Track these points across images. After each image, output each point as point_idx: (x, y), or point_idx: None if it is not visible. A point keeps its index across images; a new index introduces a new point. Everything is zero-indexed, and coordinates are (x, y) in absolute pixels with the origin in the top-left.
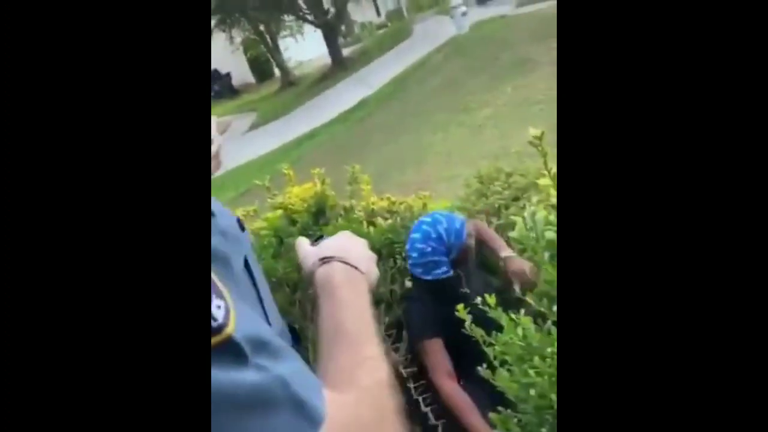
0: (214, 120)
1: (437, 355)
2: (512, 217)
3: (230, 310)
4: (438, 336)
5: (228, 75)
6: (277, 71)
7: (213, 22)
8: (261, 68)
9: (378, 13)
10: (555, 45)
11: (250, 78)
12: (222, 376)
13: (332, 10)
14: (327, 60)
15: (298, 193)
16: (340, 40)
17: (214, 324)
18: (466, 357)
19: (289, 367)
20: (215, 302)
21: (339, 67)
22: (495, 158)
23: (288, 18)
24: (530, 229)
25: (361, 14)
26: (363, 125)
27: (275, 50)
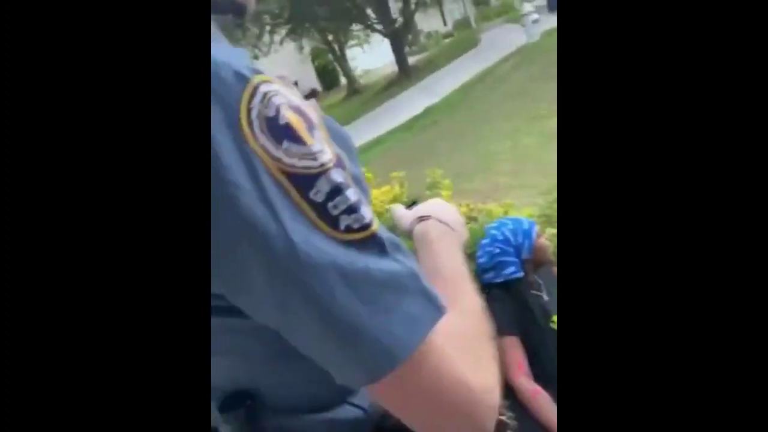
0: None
1: (514, 353)
2: None
3: (374, 215)
4: (514, 335)
5: (295, 83)
6: (343, 80)
7: (284, 32)
8: (328, 77)
9: (444, 23)
10: None
11: (318, 86)
12: (367, 260)
13: (400, 19)
14: (393, 69)
15: (377, 195)
16: (407, 49)
17: (364, 221)
18: (539, 359)
19: (417, 266)
20: (365, 206)
21: (405, 76)
22: None
23: (356, 27)
24: None
25: (428, 23)
26: (429, 133)
27: (342, 59)
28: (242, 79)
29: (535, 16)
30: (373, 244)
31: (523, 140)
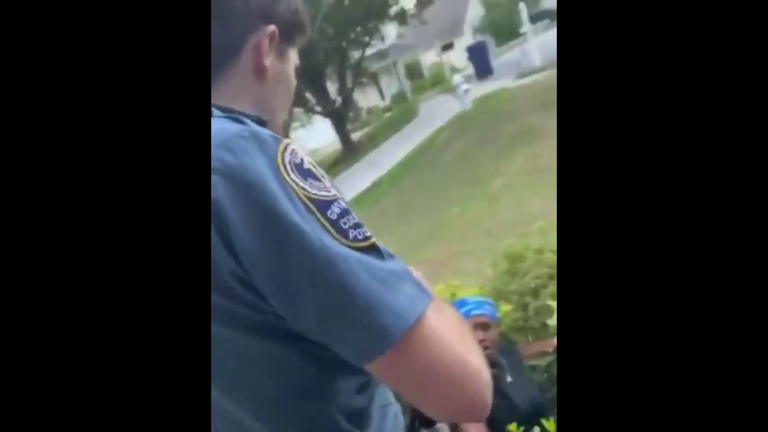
0: None
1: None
2: (549, 302)
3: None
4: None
5: None
6: None
7: None
8: None
9: (382, 97)
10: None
11: None
12: (374, 260)
13: (339, 99)
14: (337, 146)
15: None
16: (348, 126)
17: (366, 234)
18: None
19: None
20: (363, 227)
21: (350, 152)
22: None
23: (297, 110)
24: None
25: (366, 100)
26: (378, 207)
27: None
28: (277, 140)
29: (465, 86)
30: (375, 251)
31: (468, 205)
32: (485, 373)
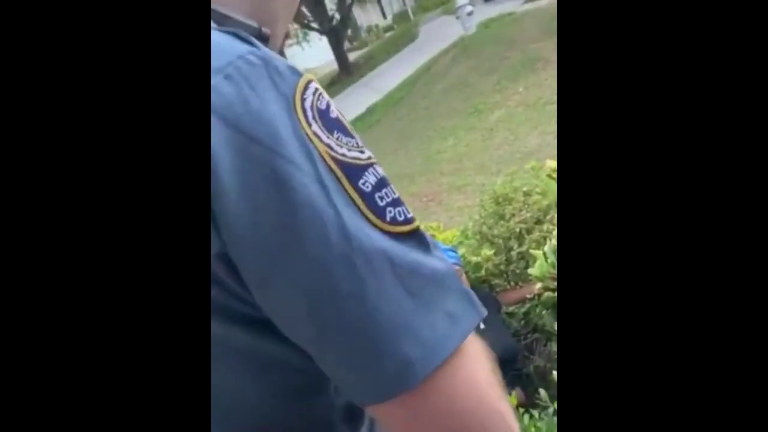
0: None
1: None
2: (532, 251)
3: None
4: None
5: None
6: None
7: None
8: None
9: (384, 16)
10: None
11: None
12: (413, 254)
13: (337, 16)
14: (334, 66)
15: None
16: (347, 45)
17: (408, 215)
18: None
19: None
20: (403, 205)
21: (346, 73)
22: (508, 164)
23: (293, 27)
24: (551, 265)
25: (366, 18)
26: (372, 132)
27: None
28: (296, 72)
29: (470, 8)
30: (416, 239)
31: (464, 137)
32: (515, 424)
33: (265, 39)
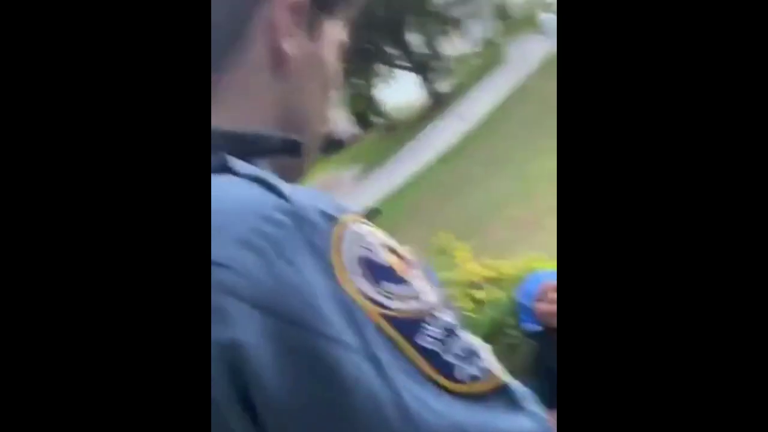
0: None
1: None
2: None
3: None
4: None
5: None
6: (377, 119)
7: None
8: (362, 119)
9: (469, 44)
10: None
11: (354, 130)
12: (494, 418)
13: (421, 49)
14: (423, 99)
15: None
16: (433, 77)
17: (488, 369)
18: None
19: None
20: (486, 351)
21: (436, 105)
22: None
23: (380, 67)
24: None
25: (452, 47)
26: (464, 160)
27: (372, 100)
28: (330, 218)
29: (554, 18)
30: (500, 396)
31: None
32: None
33: (296, 148)
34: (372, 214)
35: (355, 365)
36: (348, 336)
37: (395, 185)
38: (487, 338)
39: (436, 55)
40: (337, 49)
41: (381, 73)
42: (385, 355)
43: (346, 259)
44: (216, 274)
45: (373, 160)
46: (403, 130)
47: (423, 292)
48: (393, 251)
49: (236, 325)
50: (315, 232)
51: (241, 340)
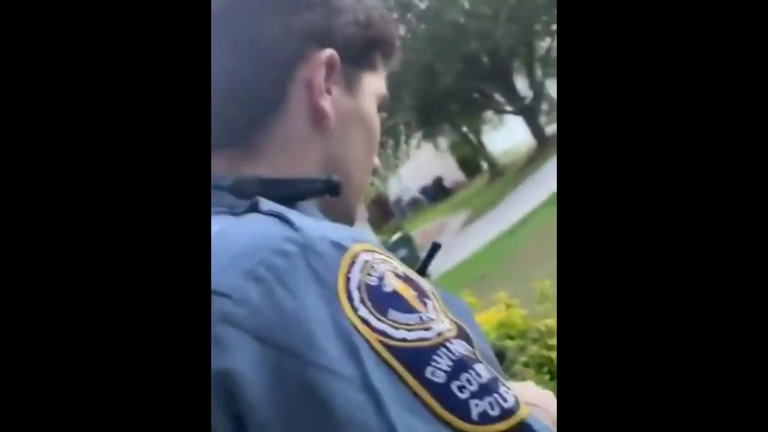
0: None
1: None
2: None
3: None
4: None
5: (439, 178)
6: (484, 164)
7: (420, 135)
8: (469, 165)
9: None
10: None
11: (461, 176)
12: None
13: (529, 94)
14: (531, 143)
15: (483, 321)
16: (542, 119)
17: (506, 404)
18: None
19: None
20: (504, 386)
21: (545, 148)
22: None
23: (488, 113)
24: None
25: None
26: None
27: (480, 146)
28: (340, 248)
29: None
30: None
31: None
32: None
33: (336, 188)
34: (433, 249)
35: (348, 396)
36: (344, 366)
37: (502, 229)
38: None
39: (543, 98)
40: (376, 100)
41: (488, 120)
42: (386, 390)
43: (352, 288)
44: (216, 303)
45: (480, 206)
46: (511, 174)
47: (434, 320)
48: (407, 279)
49: (233, 354)
50: (322, 262)
51: (236, 369)
